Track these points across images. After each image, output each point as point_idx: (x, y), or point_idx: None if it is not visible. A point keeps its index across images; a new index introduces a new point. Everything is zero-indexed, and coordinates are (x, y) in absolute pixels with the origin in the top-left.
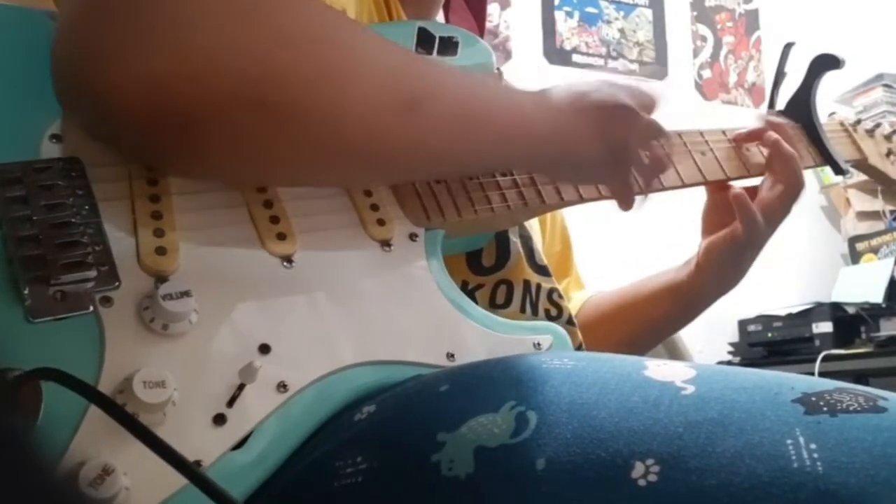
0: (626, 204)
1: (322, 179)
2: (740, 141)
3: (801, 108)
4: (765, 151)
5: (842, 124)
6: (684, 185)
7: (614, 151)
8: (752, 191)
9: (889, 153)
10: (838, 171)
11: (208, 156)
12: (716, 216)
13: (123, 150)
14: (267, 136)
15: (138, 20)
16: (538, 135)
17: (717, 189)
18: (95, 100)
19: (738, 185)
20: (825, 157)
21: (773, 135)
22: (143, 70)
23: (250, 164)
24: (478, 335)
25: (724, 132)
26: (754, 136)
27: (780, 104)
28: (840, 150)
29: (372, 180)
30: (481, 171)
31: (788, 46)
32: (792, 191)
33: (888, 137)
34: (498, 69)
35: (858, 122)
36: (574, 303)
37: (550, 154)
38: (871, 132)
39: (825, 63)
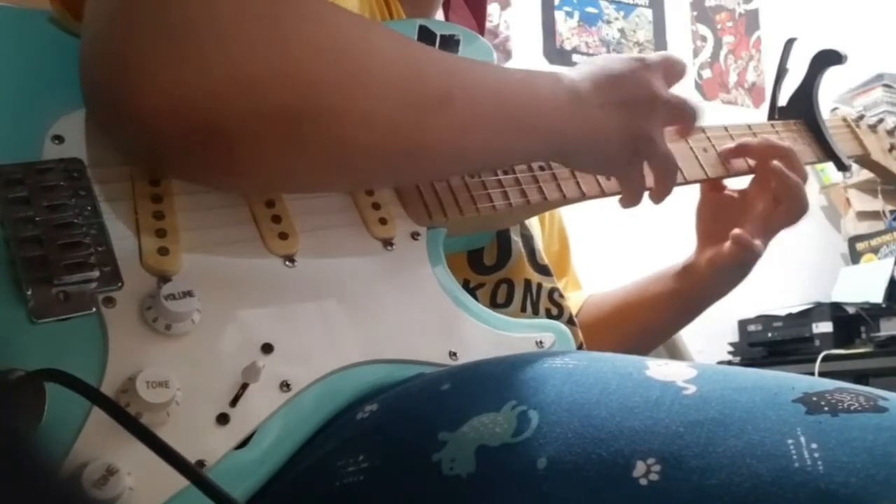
0: (634, 199)
1: (362, 182)
2: (728, 156)
3: (804, 103)
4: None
5: (844, 120)
6: (686, 182)
7: (635, 141)
8: (739, 191)
9: (892, 148)
10: (840, 166)
11: (240, 170)
12: (711, 214)
13: (150, 166)
14: (303, 146)
15: (165, 37)
16: (569, 129)
17: (711, 188)
18: (125, 118)
19: (736, 182)
20: (827, 153)
21: (778, 165)
22: (171, 85)
23: (290, 174)
24: (480, 333)
25: (726, 128)
26: (743, 151)
27: (782, 100)
28: (842, 145)
29: (407, 179)
30: (509, 165)
31: (790, 42)
32: (796, 214)
33: (891, 133)
34: None
35: (861, 117)
36: (572, 303)
37: (576, 146)
38: (873, 127)
39: (827, 58)
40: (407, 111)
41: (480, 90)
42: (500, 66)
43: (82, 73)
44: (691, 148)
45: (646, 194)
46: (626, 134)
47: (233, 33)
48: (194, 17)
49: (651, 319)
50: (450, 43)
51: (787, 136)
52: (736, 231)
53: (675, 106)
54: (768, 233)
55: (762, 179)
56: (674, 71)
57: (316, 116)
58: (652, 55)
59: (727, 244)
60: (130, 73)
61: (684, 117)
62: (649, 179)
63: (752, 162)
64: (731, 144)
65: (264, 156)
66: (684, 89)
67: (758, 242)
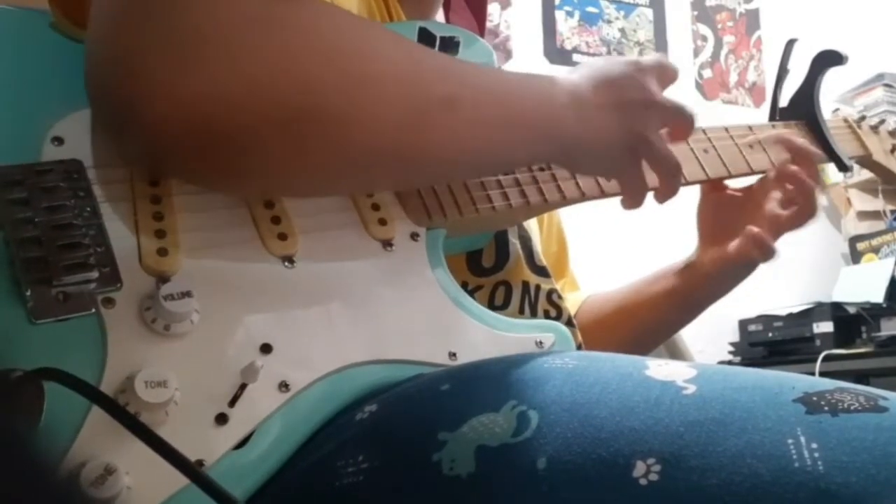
0: (636, 201)
1: (366, 185)
2: (770, 141)
3: (805, 104)
4: (771, 153)
5: (846, 120)
6: (687, 183)
7: (632, 143)
8: (746, 191)
9: (893, 149)
10: (842, 167)
11: (244, 172)
12: (709, 217)
13: (154, 170)
14: (308, 150)
15: (168, 39)
16: (568, 131)
17: (712, 189)
18: (131, 120)
19: (736, 182)
20: (828, 154)
21: (797, 169)
22: (177, 91)
23: (294, 178)
24: (480, 334)
25: (726, 129)
26: (786, 144)
27: (783, 101)
28: (844, 146)
29: (412, 182)
30: (512, 168)
31: (791, 43)
32: (807, 218)
33: (893, 134)
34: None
35: (863, 118)
36: (570, 304)
37: (576, 149)
38: (875, 128)
39: (828, 59)
40: (410, 114)
41: (482, 93)
42: (499, 70)
43: (88, 77)
44: (692, 149)
45: (650, 194)
46: (622, 135)
47: (237, 39)
48: (199, 23)
49: (650, 319)
50: (449, 45)
51: None
52: (753, 229)
53: (669, 108)
54: (775, 234)
55: (778, 180)
56: (666, 75)
57: (320, 120)
58: (646, 58)
59: (734, 243)
60: (137, 79)
61: (679, 120)
62: (652, 180)
63: (754, 162)
64: (768, 133)
65: (269, 159)
66: (685, 89)
67: (772, 244)
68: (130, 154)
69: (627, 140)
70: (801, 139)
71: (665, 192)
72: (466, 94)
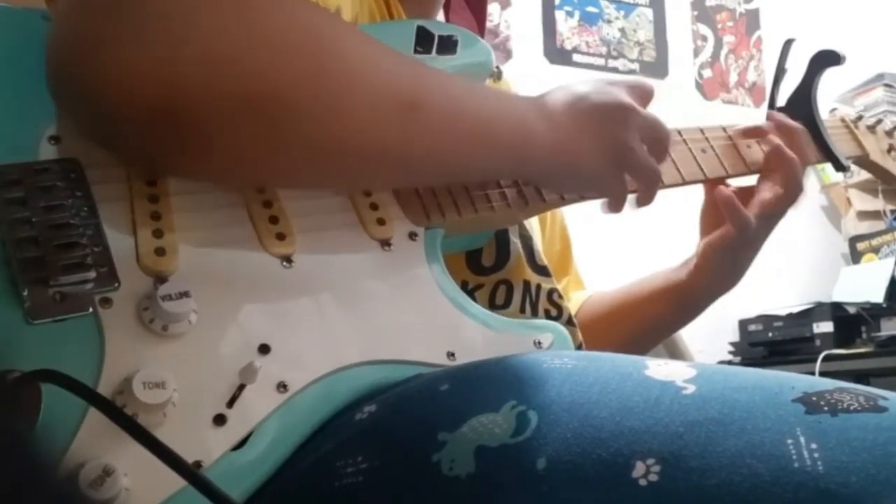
0: (618, 206)
1: (319, 181)
2: (743, 136)
3: (802, 104)
4: (766, 149)
5: (843, 120)
6: (685, 183)
7: (615, 153)
8: (750, 190)
9: (890, 149)
10: (839, 167)
11: (200, 154)
12: (713, 216)
13: (115, 150)
14: (261, 136)
15: (132, 15)
16: (537, 145)
17: (713, 190)
18: (89, 95)
19: (736, 182)
20: (826, 154)
21: (774, 139)
22: (136, 64)
23: (244, 164)
24: (478, 334)
25: (724, 129)
26: (757, 133)
27: (781, 101)
28: (841, 146)
29: (368, 184)
30: (479, 179)
31: (789, 43)
32: (791, 195)
33: (890, 133)
34: (497, 67)
35: (860, 118)
36: (573, 302)
37: (549, 164)
38: (872, 128)
39: (826, 59)
40: (367, 114)
41: (446, 101)
42: (470, 82)
43: (48, 54)
44: (690, 149)
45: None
46: (600, 144)
47: (203, 15)
48: (164, 2)
49: (650, 316)
50: (448, 44)
51: None
52: (723, 191)
53: (649, 120)
54: (767, 217)
55: (770, 173)
56: (642, 91)
57: (278, 106)
58: (619, 78)
59: (719, 230)
60: (97, 50)
61: (658, 134)
62: (632, 183)
63: (752, 161)
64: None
65: (228, 141)
66: (685, 89)
67: (746, 213)
68: (91, 131)
69: (606, 148)
70: (767, 123)
71: (644, 199)
72: (430, 99)
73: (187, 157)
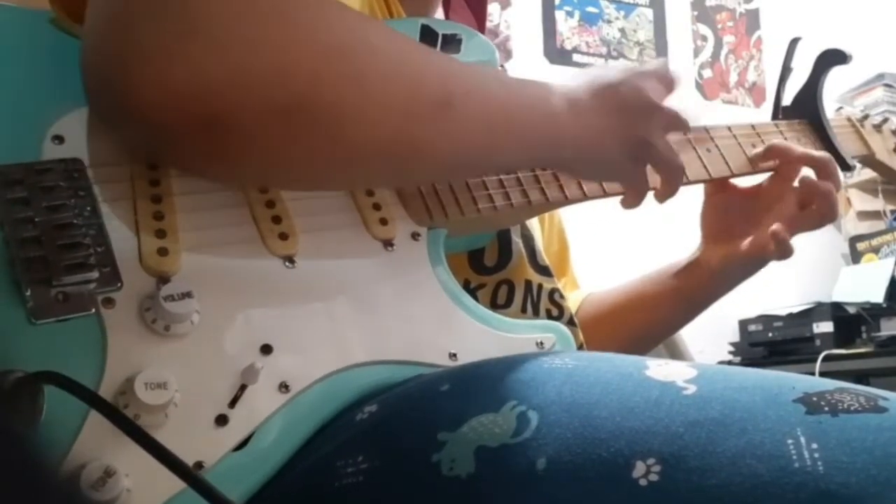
0: (636, 200)
1: (355, 180)
2: (759, 160)
3: (808, 103)
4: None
5: (849, 119)
6: (689, 182)
7: (637, 147)
8: (754, 190)
9: None
10: (845, 166)
11: (240, 161)
12: (715, 217)
13: (151, 156)
14: (299, 140)
15: (165, 29)
16: (566, 136)
17: (716, 191)
18: (125, 108)
19: (738, 182)
20: (831, 153)
21: (807, 177)
22: (171, 78)
23: (284, 168)
24: (480, 334)
25: (729, 128)
26: (776, 154)
27: (787, 100)
28: (847, 145)
29: (404, 180)
30: (508, 170)
31: (795, 42)
32: (826, 220)
33: None
34: (501, 66)
35: (866, 117)
36: (570, 302)
37: (575, 154)
38: (878, 127)
39: (831, 58)
40: (404, 112)
41: (479, 95)
42: (498, 72)
43: (83, 67)
44: (694, 148)
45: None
46: (624, 140)
47: (232, 29)
48: (194, 13)
49: (651, 318)
50: (452, 42)
51: (791, 136)
52: (777, 226)
53: (668, 112)
54: (790, 234)
55: (784, 180)
56: (666, 81)
57: (313, 112)
58: (646, 65)
59: (747, 240)
60: (131, 67)
61: (679, 126)
62: (653, 179)
63: (756, 161)
64: (759, 149)
65: (259, 148)
66: (685, 89)
67: (790, 244)
68: (128, 141)
69: (629, 143)
70: (799, 149)
71: (666, 193)
72: (460, 94)
73: (228, 164)
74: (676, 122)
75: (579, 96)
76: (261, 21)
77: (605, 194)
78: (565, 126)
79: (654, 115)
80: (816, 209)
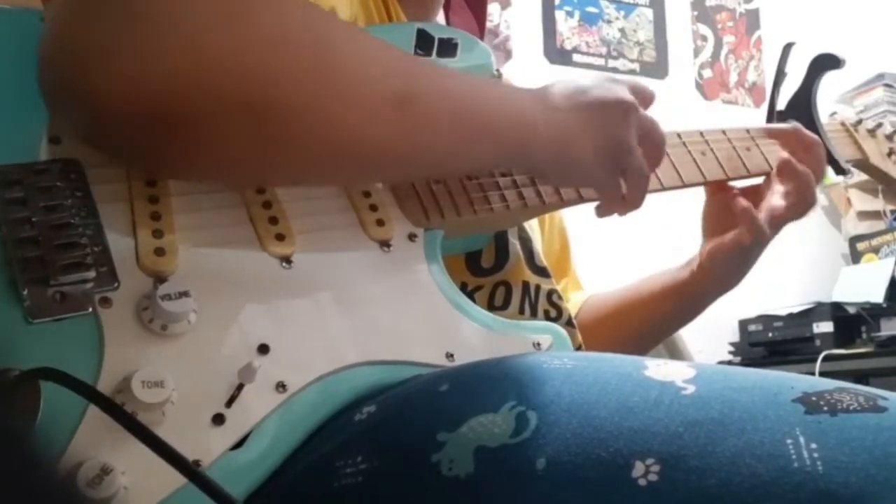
0: (611, 208)
1: (315, 178)
2: (766, 136)
3: (802, 108)
4: (769, 154)
5: (843, 124)
6: (684, 186)
7: (613, 149)
8: (752, 189)
9: (890, 153)
10: (839, 171)
11: (197, 157)
12: (716, 218)
13: (111, 152)
14: (257, 136)
15: (125, 21)
16: (536, 136)
17: (717, 190)
18: (82, 101)
19: (738, 184)
20: (826, 158)
21: (786, 156)
22: (129, 71)
23: (241, 164)
24: (477, 335)
25: (724, 132)
26: (779, 135)
27: (781, 104)
28: (841, 150)
29: (365, 179)
30: (477, 171)
31: (788, 46)
32: (804, 206)
33: (889, 137)
34: (497, 70)
35: (860, 121)
36: (572, 304)
37: (547, 155)
38: (872, 132)
39: (825, 63)
40: (362, 110)
41: (441, 94)
42: (466, 73)
43: (39, 63)
44: (689, 151)
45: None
46: (596, 138)
47: (191, 21)
48: (155, 8)
49: (651, 316)
50: (447, 47)
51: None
52: (743, 203)
53: (647, 121)
54: (774, 226)
55: (779, 175)
56: (643, 94)
57: (270, 108)
58: (620, 77)
59: (731, 232)
60: (90, 60)
61: (655, 137)
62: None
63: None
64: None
65: (224, 143)
66: (685, 89)
67: (763, 223)
68: (82, 133)
69: (607, 145)
70: (791, 126)
71: (633, 203)
72: (422, 93)
73: (184, 159)
74: (651, 128)
75: (552, 98)
76: (221, 17)
77: (582, 199)
78: (535, 124)
79: (629, 115)
80: (793, 190)
